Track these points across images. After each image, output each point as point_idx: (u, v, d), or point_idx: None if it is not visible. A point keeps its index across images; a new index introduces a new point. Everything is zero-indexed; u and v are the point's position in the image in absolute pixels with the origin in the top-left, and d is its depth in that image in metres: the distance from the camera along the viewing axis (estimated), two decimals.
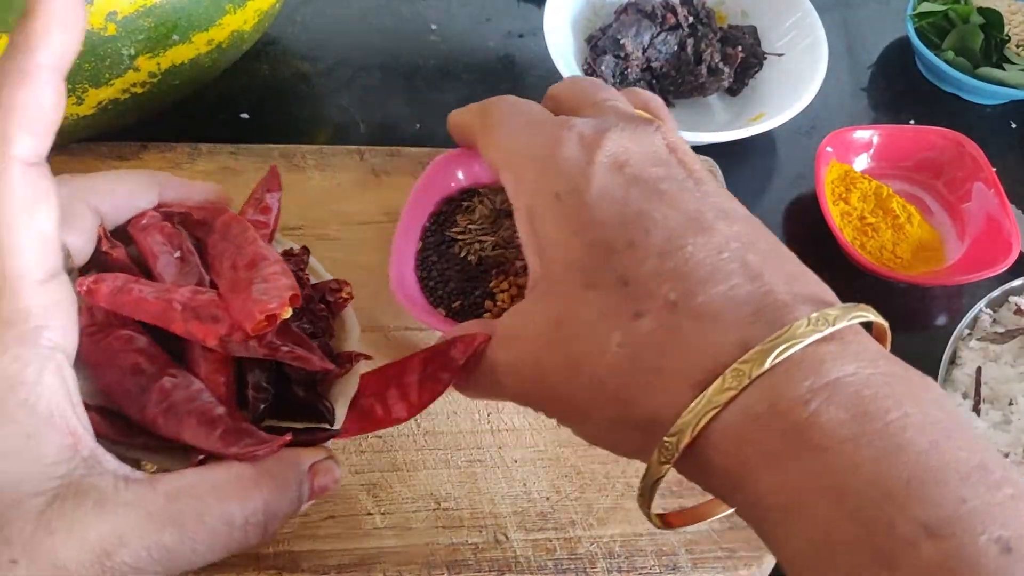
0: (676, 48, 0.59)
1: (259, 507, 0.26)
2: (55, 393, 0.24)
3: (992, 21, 0.61)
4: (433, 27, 0.63)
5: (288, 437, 0.28)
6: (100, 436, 0.26)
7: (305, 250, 0.36)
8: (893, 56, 0.66)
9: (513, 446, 0.42)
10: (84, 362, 0.28)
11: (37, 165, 0.24)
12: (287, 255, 0.34)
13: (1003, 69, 0.60)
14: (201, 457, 0.28)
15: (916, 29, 0.62)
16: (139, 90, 0.46)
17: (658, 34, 0.59)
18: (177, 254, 0.32)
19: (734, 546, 0.40)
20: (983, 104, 0.63)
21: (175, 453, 0.28)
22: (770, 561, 0.40)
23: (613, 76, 0.58)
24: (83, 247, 0.29)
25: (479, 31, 0.63)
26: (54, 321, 0.25)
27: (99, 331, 0.29)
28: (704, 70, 0.58)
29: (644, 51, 0.58)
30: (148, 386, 0.29)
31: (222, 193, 0.34)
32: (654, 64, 0.59)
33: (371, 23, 0.63)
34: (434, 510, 0.40)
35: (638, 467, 0.41)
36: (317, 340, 0.32)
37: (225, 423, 0.28)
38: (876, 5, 0.69)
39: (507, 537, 0.39)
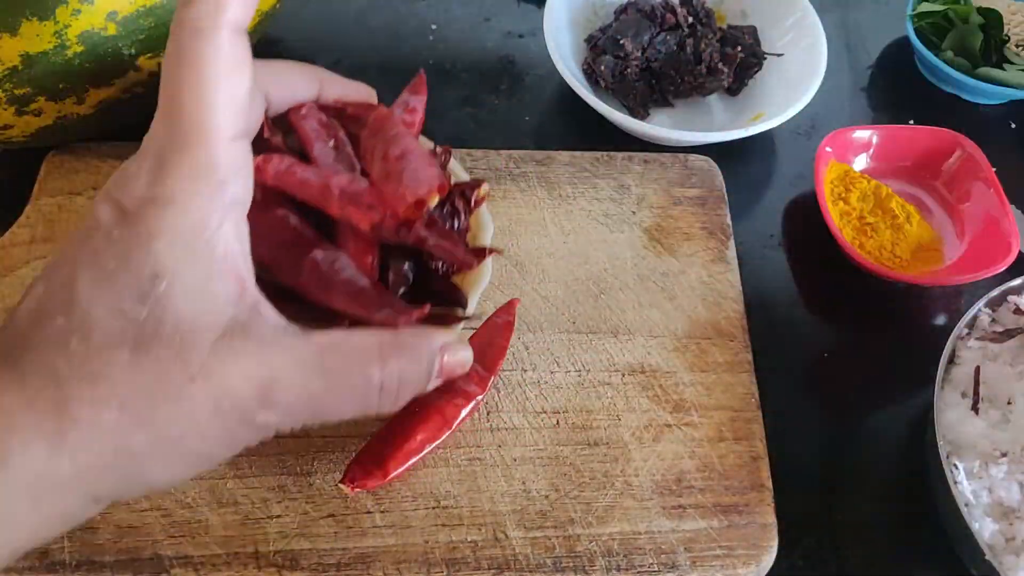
0: (675, 48, 0.59)
1: (395, 373, 0.29)
2: (231, 242, 0.27)
3: (992, 21, 0.61)
4: (432, 27, 0.63)
5: (427, 308, 0.32)
6: None
7: (447, 150, 0.38)
8: (893, 56, 0.66)
9: (512, 444, 0.42)
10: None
11: (241, 33, 0.27)
12: (431, 153, 0.37)
13: (1003, 69, 0.60)
14: (347, 324, 0.31)
15: (916, 29, 0.62)
16: (140, 90, 0.46)
17: (657, 34, 0.59)
18: (332, 143, 0.35)
19: (733, 544, 0.40)
20: (982, 104, 0.63)
21: (323, 323, 0.31)
22: (769, 559, 0.40)
23: (613, 76, 0.58)
24: (250, 127, 0.30)
25: (478, 31, 0.63)
26: (237, 178, 0.27)
27: (258, 207, 0.31)
28: (703, 70, 0.58)
29: (643, 51, 0.58)
30: (301, 258, 0.33)
31: (374, 94, 0.37)
32: (653, 64, 0.59)
33: (370, 23, 0.63)
34: (433, 508, 0.40)
35: (637, 466, 0.41)
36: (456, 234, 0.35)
37: (371, 293, 0.32)
38: (876, 5, 0.69)
39: (506, 535, 0.39)
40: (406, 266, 0.34)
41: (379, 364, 0.28)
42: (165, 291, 0.25)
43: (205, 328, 0.25)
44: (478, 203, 0.36)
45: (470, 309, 0.35)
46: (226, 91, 0.26)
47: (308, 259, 0.33)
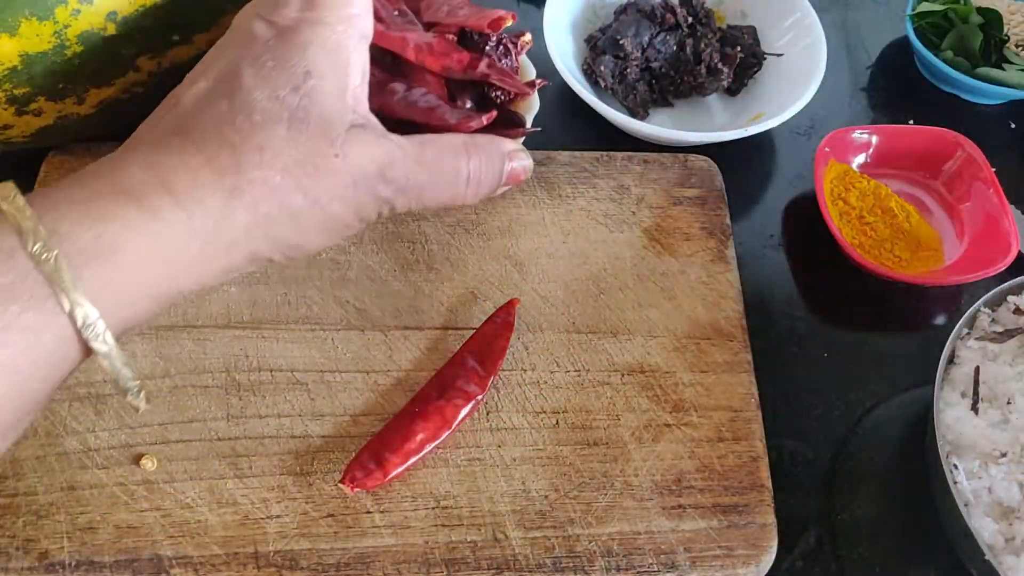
0: (675, 48, 0.59)
1: (478, 166, 0.35)
2: (357, 64, 0.33)
3: (991, 21, 0.61)
4: None
5: (494, 113, 0.40)
6: None
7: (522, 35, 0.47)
8: (892, 56, 0.66)
9: (512, 445, 0.42)
10: None
11: None
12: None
13: (1002, 69, 0.60)
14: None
15: (915, 29, 0.62)
16: (140, 90, 0.46)
17: (657, 34, 0.59)
18: (396, 12, 0.42)
19: (732, 544, 0.40)
20: (982, 104, 0.63)
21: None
22: (768, 559, 0.40)
23: (612, 76, 0.58)
24: None
25: None
26: (367, 15, 0.34)
27: None
28: (703, 70, 0.58)
29: (643, 51, 0.58)
30: (383, 86, 0.41)
31: None
32: (653, 64, 0.59)
33: None
34: (433, 508, 0.40)
35: (637, 466, 0.41)
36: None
37: (445, 108, 0.40)
38: (875, 5, 0.69)
39: (506, 535, 0.39)
40: (470, 100, 0.42)
41: (465, 157, 0.35)
42: (314, 86, 0.31)
43: (340, 119, 0.31)
44: (523, 48, 0.45)
45: (527, 126, 0.43)
46: None
47: (389, 88, 0.41)
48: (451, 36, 0.45)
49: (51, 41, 0.41)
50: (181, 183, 0.29)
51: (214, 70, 0.32)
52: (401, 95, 0.41)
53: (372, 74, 0.42)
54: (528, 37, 0.46)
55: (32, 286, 0.26)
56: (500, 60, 0.45)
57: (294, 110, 0.30)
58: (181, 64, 0.47)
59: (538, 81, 0.45)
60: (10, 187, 0.27)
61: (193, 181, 0.29)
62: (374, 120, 0.33)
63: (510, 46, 0.45)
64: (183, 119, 0.31)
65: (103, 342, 0.27)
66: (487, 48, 0.44)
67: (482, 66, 0.42)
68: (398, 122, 0.37)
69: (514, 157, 0.37)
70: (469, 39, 0.44)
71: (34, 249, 0.26)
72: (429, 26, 0.44)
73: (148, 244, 0.28)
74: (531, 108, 0.46)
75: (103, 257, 0.27)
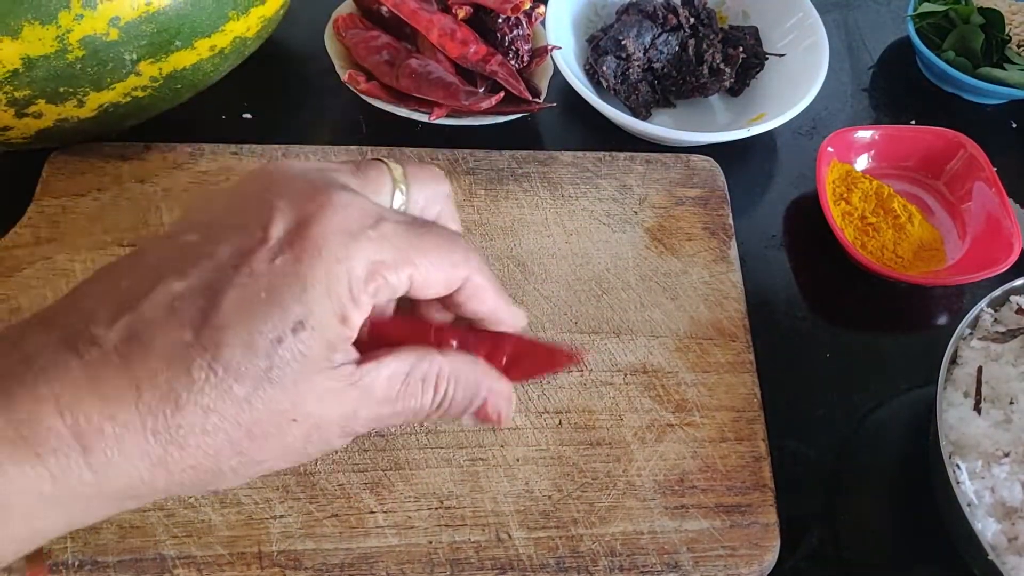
0: (677, 49, 0.59)
1: (448, 400, 0.30)
2: (364, 307, 0.27)
3: (993, 21, 0.61)
4: None
5: (501, 94, 0.47)
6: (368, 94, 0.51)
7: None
8: (894, 56, 0.66)
9: (515, 445, 0.42)
10: (353, 52, 0.53)
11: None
12: None
13: (1004, 69, 0.60)
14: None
15: (917, 29, 0.62)
16: (140, 94, 0.46)
17: (659, 35, 0.59)
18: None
19: (735, 544, 0.40)
20: (984, 104, 0.63)
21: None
22: (771, 559, 0.40)
23: (615, 76, 0.58)
24: None
25: None
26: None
27: (359, 34, 0.54)
28: (705, 70, 0.58)
29: (645, 51, 0.58)
30: (399, 63, 0.49)
31: (523, 318, 0.35)
32: (655, 65, 0.59)
33: None
34: (436, 509, 0.40)
35: (640, 466, 0.41)
36: (520, 47, 0.53)
37: (458, 86, 0.48)
38: (877, 6, 0.69)
39: (509, 536, 0.39)
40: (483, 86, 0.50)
41: (433, 393, 0.29)
42: (302, 341, 0.25)
43: (315, 380, 0.26)
44: (536, 19, 0.53)
45: (542, 99, 0.49)
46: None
47: (406, 64, 0.47)
48: (468, 8, 0.51)
49: (53, 45, 0.41)
50: (98, 442, 0.24)
51: (198, 263, 0.25)
52: (415, 71, 0.47)
53: (391, 47, 0.51)
54: (542, 9, 0.51)
55: None
56: (513, 30, 0.50)
57: (265, 371, 0.25)
58: (183, 69, 0.47)
59: (550, 47, 0.52)
60: None
61: (116, 440, 0.24)
62: (353, 353, 0.28)
63: (523, 17, 0.50)
64: (137, 332, 0.24)
65: None
66: (500, 21, 0.50)
67: (493, 63, 0.46)
68: None
69: (492, 396, 0.31)
70: (483, 10, 0.51)
71: None
72: None
73: (39, 504, 0.24)
74: (544, 74, 0.52)
75: None
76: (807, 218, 0.55)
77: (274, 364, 0.25)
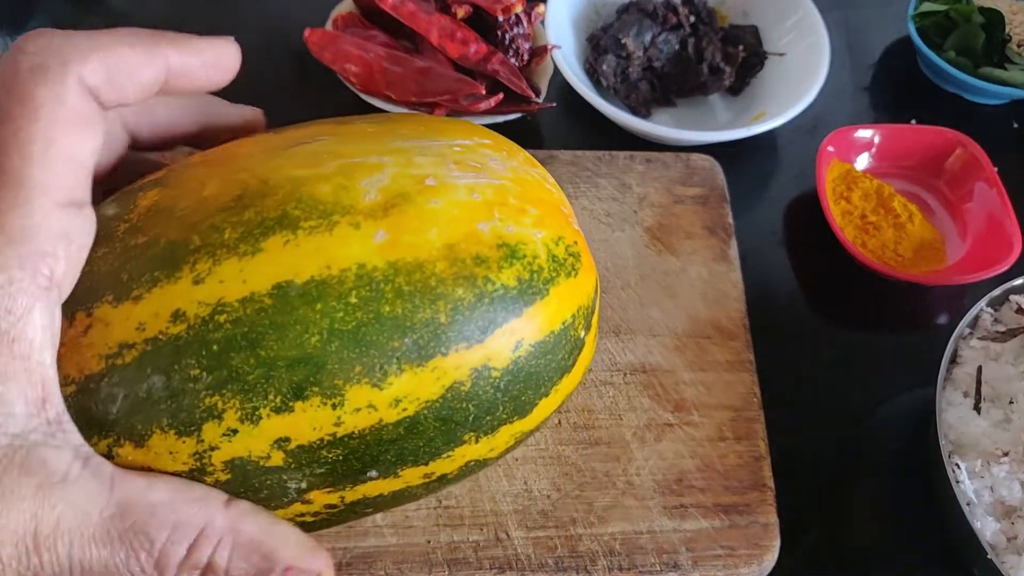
0: (678, 47, 0.59)
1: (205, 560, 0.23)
2: (39, 334, 0.21)
3: (993, 21, 0.61)
4: None
5: (500, 95, 0.48)
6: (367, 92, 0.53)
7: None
8: (894, 56, 0.66)
9: None
10: (352, 45, 0.52)
11: (95, 101, 0.22)
12: None
13: (1004, 69, 0.60)
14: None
15: (917, 29, 0.62)
16: (309, 519, 0.30)
17: (660, 33, 0.59)
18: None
19: (734, 544, 0.40)
20: (984, 103, 0.63)
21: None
22: (771, 559, 0.40)
23: (615, 75, 0.58)
24: (91, 194, 0.24)
25: None
26: (61, 252, 0.21)
27: (359, 31, 0.54)
28: (705, 69, 0.58)
29: (646, 50, 0.58)
30: (399, 63, 0.50)
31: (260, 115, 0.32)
32: (656, 63, 0.59)
33: None
34: (435, 508, 0.40)
35: (639, 465, 0.41)
36: (522, 38, 0.54)
37: (460, 84, 0.49)
38: (878, 5, 0.69)
39: (508, 535, 0.39)
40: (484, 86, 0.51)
41: (186, 543, 0.22)
42: None
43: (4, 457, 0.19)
44: (536, 18, 0.53)
45: (540, 96, 0.50)
46: (64, 148, 0.21)
47: (406, 64, 0.48)
48: (467, 8, 0.51)
49: (187, 463, 0.26)
50: None
51: None
52: (419, 72, 0.47)
53: (388, 46, 0.52)
54: (542, 8, 0.51)
55: None
56: (513, 28, 0.51)
57: None
58: (376, 497, 0.30)
59: (550, 46, 0.52)
60: None
61: None
62: (67, 432, 0.21)
63: (523, 16, 0.50)
64: None
65: None
66: (500, 19, 0.50)
67: (495, 61, 0.46)
68: None
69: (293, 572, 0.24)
70: (483, 11, 0.51)
71: None
72: None
73: None
74: (544, 73, 0.52)
75: None
76: (807, 217, 0.55)
77: None
